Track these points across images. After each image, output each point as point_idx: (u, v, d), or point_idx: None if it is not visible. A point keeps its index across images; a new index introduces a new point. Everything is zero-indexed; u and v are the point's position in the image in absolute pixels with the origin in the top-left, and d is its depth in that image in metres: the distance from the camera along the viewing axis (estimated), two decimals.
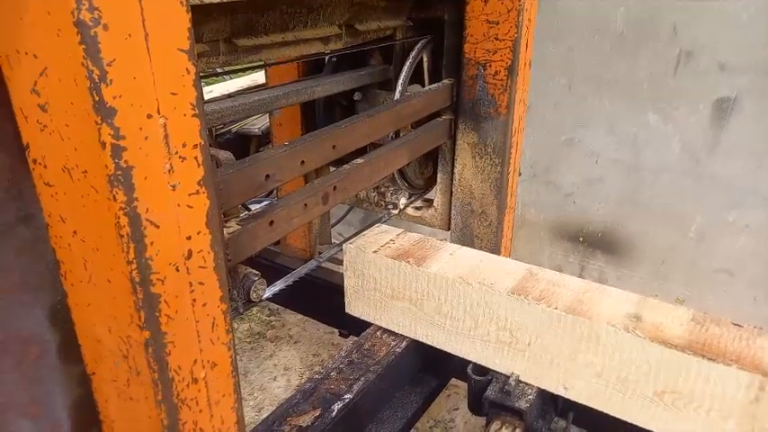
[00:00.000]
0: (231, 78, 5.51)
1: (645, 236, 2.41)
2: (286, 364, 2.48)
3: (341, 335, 2.37)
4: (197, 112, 0.70)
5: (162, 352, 0.74)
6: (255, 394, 2.31)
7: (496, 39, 1.63)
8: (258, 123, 3.52)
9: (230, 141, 3.70)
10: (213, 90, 3.93)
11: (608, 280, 2.54)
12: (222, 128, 4.09)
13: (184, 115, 0.68)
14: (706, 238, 2.27)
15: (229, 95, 1.45)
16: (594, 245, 2.54)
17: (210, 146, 1.29)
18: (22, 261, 0.83)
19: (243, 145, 3.56)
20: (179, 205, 0.71)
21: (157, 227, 0.68)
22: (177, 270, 0.73)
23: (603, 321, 1.25)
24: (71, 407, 0.94)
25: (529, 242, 2.71)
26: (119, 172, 0.63)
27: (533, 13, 1.65)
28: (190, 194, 0.72)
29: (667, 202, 2.30)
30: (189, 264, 0.74)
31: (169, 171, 0.68)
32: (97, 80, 0.58)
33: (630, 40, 2.16)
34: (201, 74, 1.23)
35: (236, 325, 2.73)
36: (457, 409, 2.20)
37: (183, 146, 0.69)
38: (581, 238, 2.56)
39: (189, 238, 0.73)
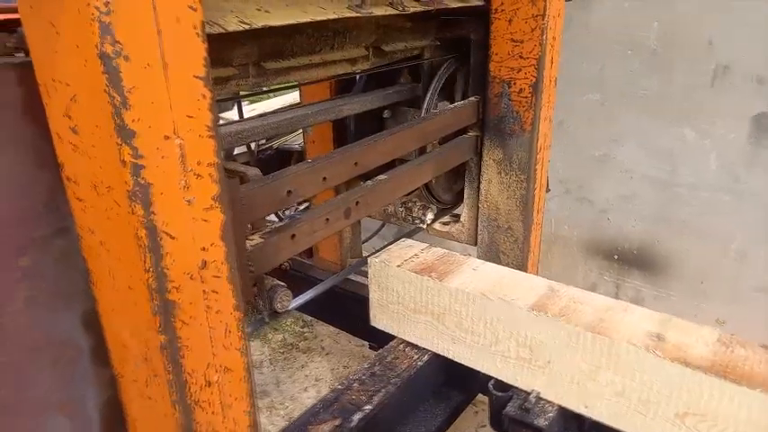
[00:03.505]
0: (275, 96, 5.68)
1: (682, 254, 2.34)
2: (317, 375, 2.53)
3: (371, 347, 2.40)
4: (212, 133, 0.75)
5: (177, 355, 0.79)
6: (286, 404, 2.36)
7: (521, 57, 1.65)
8: (298, 140, 3.64)
9: (271, 157, 3.83)
10: (256, 108, 4.08)
11: (644, 299, 2.47)
12: (264, 144, 4.23)
13: (200, 136, 0.74)
14: (747, 257, 2.19)
15: (260, 115, 1.53)
16: (630, 262, 2.48)
17: (246, 162, 1.35)
18: (59, 270, 0.91)
19: (283, 161, 3.68)
20: (194, 219, 0.76)
21: (173, 238, 0.74)
22: (192, 279, 0.78)
23: (624, 340, 1.23)
24: (102, 407, 1.01)
25: (562, 259, 2.67)
26: (137, 188, 0.69)
27: (558, 31, 1.66)
28: (205, 209, 0.77)
29: (705, 220, 2.24)
30: (204, 273, 0.80)
31: (185, 187, 0.74)
32: (118, 105, 0.64)
33: (664, 54, 2.13)
34: (230, 95, 1.30)
35: (269, 336, 2.81)
36: (484, 426, 2.18)
37: (199, 164, 0.75)
38: (616, 256, 2.51)
39: (204, 249, 0.79)
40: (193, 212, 0.76)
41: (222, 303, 0.84)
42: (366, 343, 2.51)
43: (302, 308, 2.55)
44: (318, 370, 2.56)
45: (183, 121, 0.71)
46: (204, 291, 0.81)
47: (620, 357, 1.24)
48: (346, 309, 2.26)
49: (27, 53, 0.75)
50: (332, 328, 2.74)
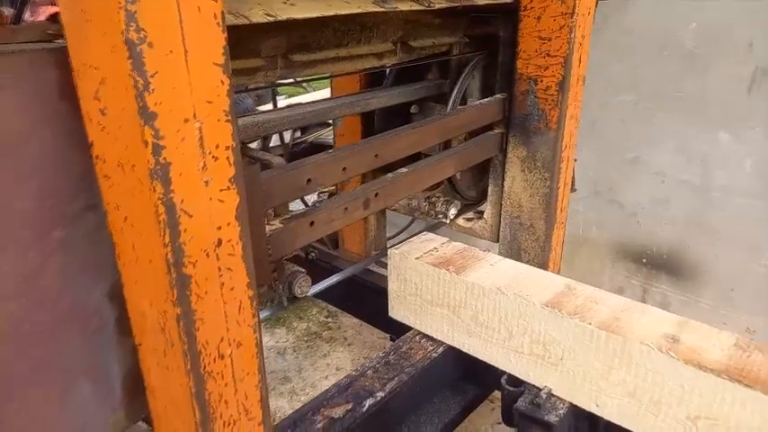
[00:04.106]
0: (314, 90, 5.75)
1: (713, 260, 2.28)
2: (338, 364, 2.58)
3: (392, 339, 2.44)
4: (229, 118, 0.80)
5: (192, 327, 0.84)
6: (307, 390, 2.41)
7: (548, 55, 1.65)
8: (333, 134, 3.70)
9: (306, 150, 3.91)
10: (293, 101, 4.17)
11: (671, 304, 2.42)
12: (299, 138, 4.32)
13: (218, 120, 0.79)
14: None
15: (289, 106, 1.57)
16: (659, 267, 2.44)
17: (279, 155, 1.40)
18: (89, 244, 0.97)
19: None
20: (211, 199, 0.81)
21: (191, 216, 0.79)
22: (207, 256, 0.83)
23: (637, 340, 1.23)
24: (124, 375, 1.08)
25: (590, 261, 2.64)
26: (158, 167, 0.73)
27: (587, 29, 1.65)
28: (221, 190, 0.82)
29: (738, 226, 2.18)
30: (219, 251, 0.84)
31: (203, 168, 0.78)
32: (141, 89, 0.69)
33: (701, 56, 2.09)
34: (261, 85, 1.35)
35: (294, 324, 2.88)
36: (499, 423, 2.18)
37: (217, 147, 0.79)
38: (644, 260, 2.47)
39: (219, 228, 0.83)
40: (210, 192, 0.80)
41: (236, 281, 0.88)
42: (388, 335, 2.55)
43: (327, 298, 2.61)
44: (340, 359, 2.61)
45: (203, 105, 0.76)
46: (219, 268, 0.85)
47: (633, 357, 1.23)
48: (370, 301, 2.30)
49: (65, 39, 0.81)
50: (355, 320, 2.78)
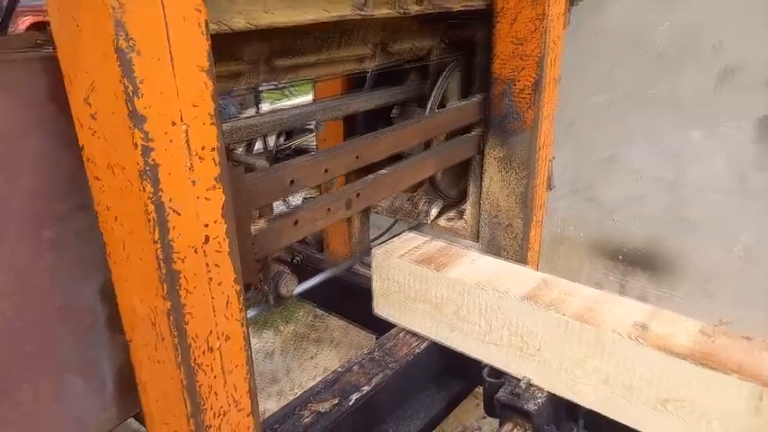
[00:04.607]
0: (298, 95, 5.80)
1: (688, 254, 2.36)
2: (326, 365, 2.61)
3: (378, 339, 2.48)
4: (214, 121, 0.84)
5: (181, 321, 0.88)
6: (296, 391, 2.45)
7: (523, 57, 1.71)
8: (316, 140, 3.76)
9: (289, 156, 3.96)
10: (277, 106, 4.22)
11: (648, 298, 2.50)
12: (283, 144, 4.36)
13: (203, 123, 0.83)
14: (753, 258, 2.20)
15: (271, 111, 1.62)
16: (635, 263, 2.51)
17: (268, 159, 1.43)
18: (80, 243, 1.00)
19: None
20: (198, 197, 0.85)
21: (179, 214, 0.83)
22: (196, 252, 0.87)
23: (609, 329, 1.29)
24: (116, 372, 1.11)
25: (569, 259, 2.71)
26: (147, 168, 0.77)
27: (559, 32, 1.72)
28: (207, 189, 0.86)
29: (712, 220, 2.25)
30: (206, 247, 0.88)
31: (190, 169, 0.83)
32: (131, 94, 0.73)
33: (672, 56, 2.17)
34: (242, 91, 1.39)
35: (281, 326, 2.91)
36: (485, 417, 2.23)
37: (203, 148, 0.84)
38: (621, 256, 2.54)
39: (206, 225, 0.88)
40: (197, 191, 0.85)
41: (223, 276, 0.92)
42: (375, 335, 2.59)
43: (314, 300, 2.64)
44: (327, 360, 2.64)
45: (189, 109, 0.80)
46: (207, 264, 0.89)
47: (606, 345, 1.29)
48: (355, 302, 2.34)
49: (54, 48, 0.85)
50: (342, 321, 2.81)
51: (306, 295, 1.92)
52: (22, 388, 1.00)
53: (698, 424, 1.19)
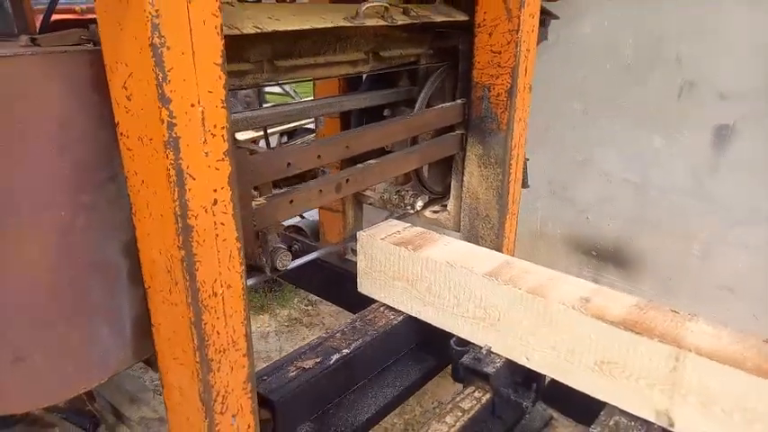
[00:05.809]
0: (301, 97, 6.04)
1: (653, 252, 2.56)
2: None
3: None
4: (224, 105, 1.05)
5: (192, 268, 1.08)
6: None
7: (498, 66, 1.92)
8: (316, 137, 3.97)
9: None
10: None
11: None
12: (284, 143, 4.57)
13: (216, 106, 1.04)
14: (709, 256, 2.40)
15: (273, 106, 1.83)
16: (606, 259, 2.71)
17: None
18: (111, 208, 1.20)
19: None
20: (209, 166, 1.06)
21: (194, 179, 1.03)
22: (206, 211, 1.07)
23: (556, 301, 1.49)
24: (133, 319, 1.31)
25: (547, 254, 2.91)
26: (171, 140, 0.98)
27: (531, 44, 1.93)
28: (217, 160, 1.07)
29: (673, 221, 2.46)
30: (215, 208, 1.09)
31: (204, 142, 1.03)
32: (161, 80, 0.94)
33: (638, 68, 2.38)
34: (245, 87, 1.59)
35: (277, 311, 3.10)
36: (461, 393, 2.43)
37: (215, 126, 1.04)
38: (594, 253, 2.74)
39: (215, 190, 1.08)
40: (209, 161, 1.05)
41: (227, 233, 1.12)
42: None
43: (307, 287, 2.84)
44: None
45: (205, 94, 1.01)
46: (214, 222, 1.10)
47: (553, 315, 1.49)
48: (346, 289, 2.54)
49: (95, 43, 1.06)
50: (334, 308, 3.02)
51: (300, 283, 2.10)
52: (59, 329, 1.19)
53: (627, 382, 1.39)
